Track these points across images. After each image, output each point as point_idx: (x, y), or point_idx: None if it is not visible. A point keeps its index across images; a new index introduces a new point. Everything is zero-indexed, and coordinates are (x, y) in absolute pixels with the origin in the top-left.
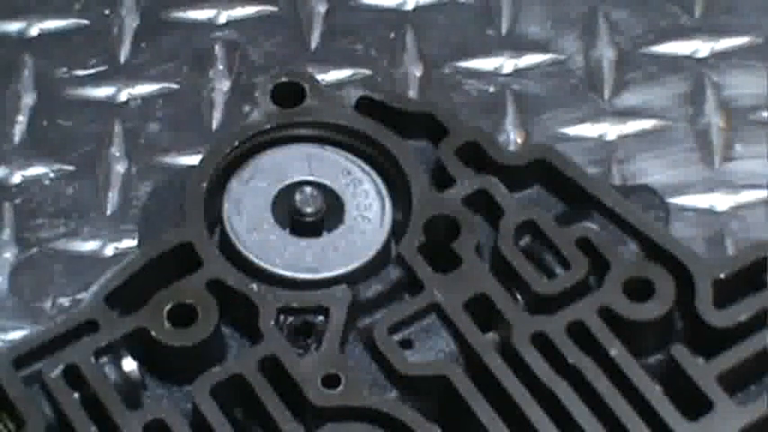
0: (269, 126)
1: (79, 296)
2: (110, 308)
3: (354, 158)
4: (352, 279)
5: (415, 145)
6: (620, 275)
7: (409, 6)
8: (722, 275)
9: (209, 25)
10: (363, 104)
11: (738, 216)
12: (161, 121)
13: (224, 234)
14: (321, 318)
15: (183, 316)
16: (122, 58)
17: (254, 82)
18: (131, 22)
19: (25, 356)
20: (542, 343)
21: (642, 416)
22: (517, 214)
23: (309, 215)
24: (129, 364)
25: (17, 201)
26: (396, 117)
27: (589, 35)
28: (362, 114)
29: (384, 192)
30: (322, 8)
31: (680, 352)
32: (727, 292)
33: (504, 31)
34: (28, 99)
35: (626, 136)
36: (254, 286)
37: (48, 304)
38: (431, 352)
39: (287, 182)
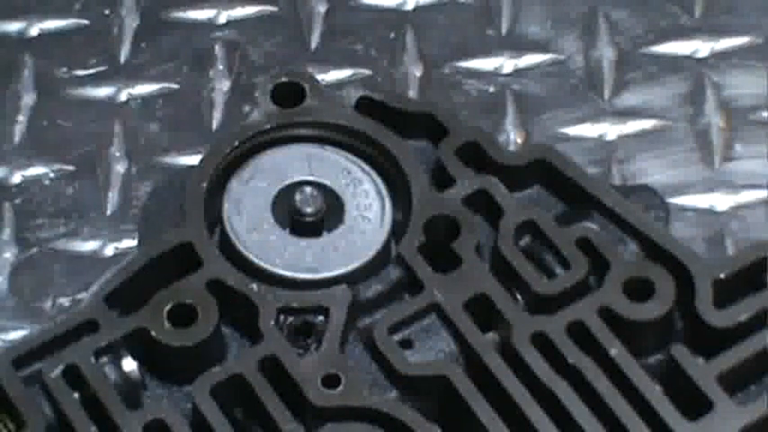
0: (269, 126)
1: (79, 296)
2: (110, 308)
3: (354, 158)
4: (352, 279)
5: (415, 145)
6: (620, 275)
7: (409, 6)
8: (722, 275)
9: (209, 25)
10: (363, 104)
11: (738, 216)
12: (161, 121)
13: (224, 234)
14: (321, 318)
15: (183, 316)
16: (122, 58)
17: (254, 82)
18: (131, 22)
19: (25, 356)
20: (542, 343)
21: (642, 416)
22: (517, 214)
23: (309, 215)
24: (129, 364)
25: (17, 201)
26: (396, 117)
27: (589, 35)
28: (362, 114)
29: (384, 192)
30: (322, 8)
31: (680, 352)
32: (727, 292)
33: (504, 31)
34: (28, 99)
35: (626, 136)
36: (254, 286)
37: (48, 304)
38: (431, 352)
39: (287, 182)
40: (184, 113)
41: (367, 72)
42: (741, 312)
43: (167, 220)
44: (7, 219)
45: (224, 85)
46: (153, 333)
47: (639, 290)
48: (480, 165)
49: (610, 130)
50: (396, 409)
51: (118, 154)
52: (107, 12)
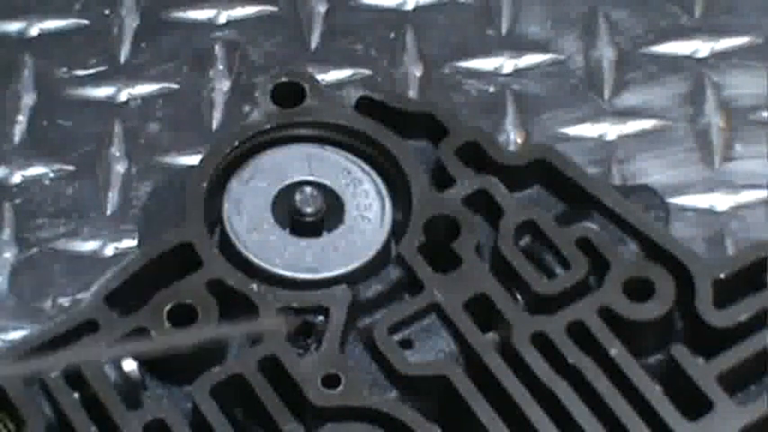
0: (269, 126)
1: (79, 296)
2: (110, 308)
3: (354, 158)
4: (352, 279)
5: (415, 145)
6: (620, 275)
7: (409, 6)
8: (722, 275)
9: (209, 25)
10: (363, 104)
11: (738, 216)
12: (161, 121)
13: (224, 234)
14: (321, 318)
15: (182, 316)
16: (122, 58)
17: (254, 82)
18: (131, 22)
19: (25, 356)
20: (542, 343)
21: (642, 416)
22: (517, 214)
23: (309, 215)
24: (129, 365)
25: (17, 201)
26: (396, 117)
27: (589, 35)
28: (362, 114)
29: (384, 192)
30: (322, 8)
31: (680, 352)
32: (727, 292)
33: (504, 31)
34: (28, 99)
35: (626, 136)
36: (254, 286)
37: (48, 304)
38: (431, 352)
39: (287, 182)
40: (184, 113)
41: (367, 72)
42: (741, 312)
43: (167, 220)
44: (7, 219)
45: (224, 85)
46: (153, 333)
47: (639, 290)
48: (480, 165)
49: (610, 130)
50: (396, 409)
51: (118, 154)
52: (107, 12)
